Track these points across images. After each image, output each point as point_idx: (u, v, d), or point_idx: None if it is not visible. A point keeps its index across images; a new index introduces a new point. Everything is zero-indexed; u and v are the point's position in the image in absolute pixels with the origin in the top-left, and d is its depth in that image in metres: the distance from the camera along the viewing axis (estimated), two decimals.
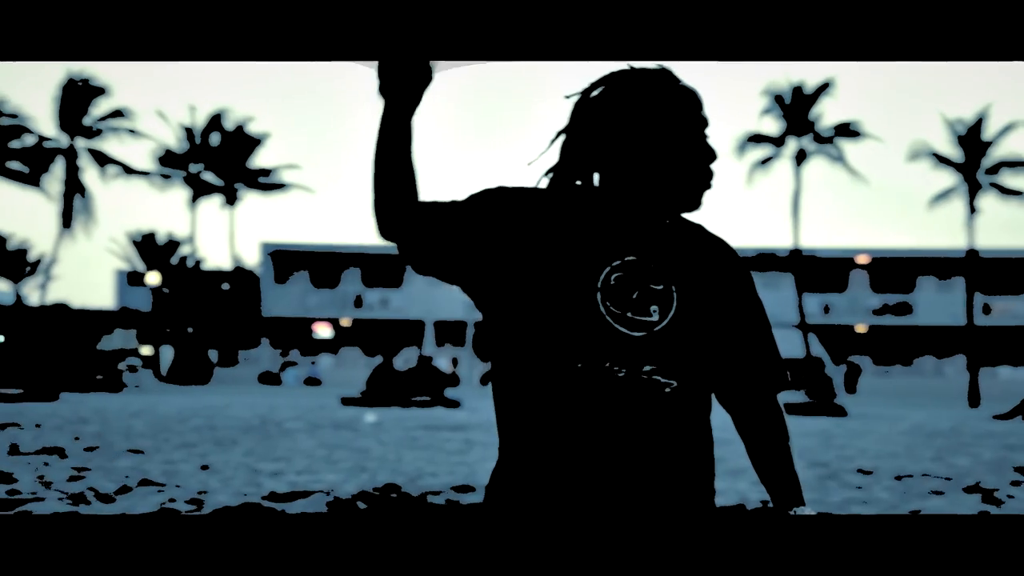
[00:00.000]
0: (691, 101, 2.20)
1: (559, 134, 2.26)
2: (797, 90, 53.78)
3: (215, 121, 58.92)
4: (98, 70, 54.67)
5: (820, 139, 54.05)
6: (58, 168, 54.19)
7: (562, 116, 2.29)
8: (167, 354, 55.56)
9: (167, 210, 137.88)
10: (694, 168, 2.19)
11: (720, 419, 2.35)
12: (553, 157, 2.27)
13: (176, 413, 21.81)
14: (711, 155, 2.20)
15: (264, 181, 59.80)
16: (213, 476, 10.87)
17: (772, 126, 54.70)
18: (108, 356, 40.36)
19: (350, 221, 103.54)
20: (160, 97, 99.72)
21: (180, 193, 73.87)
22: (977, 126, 52.25)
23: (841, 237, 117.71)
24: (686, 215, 2.26)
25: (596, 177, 2.23)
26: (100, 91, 54.07)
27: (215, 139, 58.82)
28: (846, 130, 53.86)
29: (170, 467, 11.61)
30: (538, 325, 2.13)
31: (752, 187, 62.57)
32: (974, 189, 51.80)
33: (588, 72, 2.35)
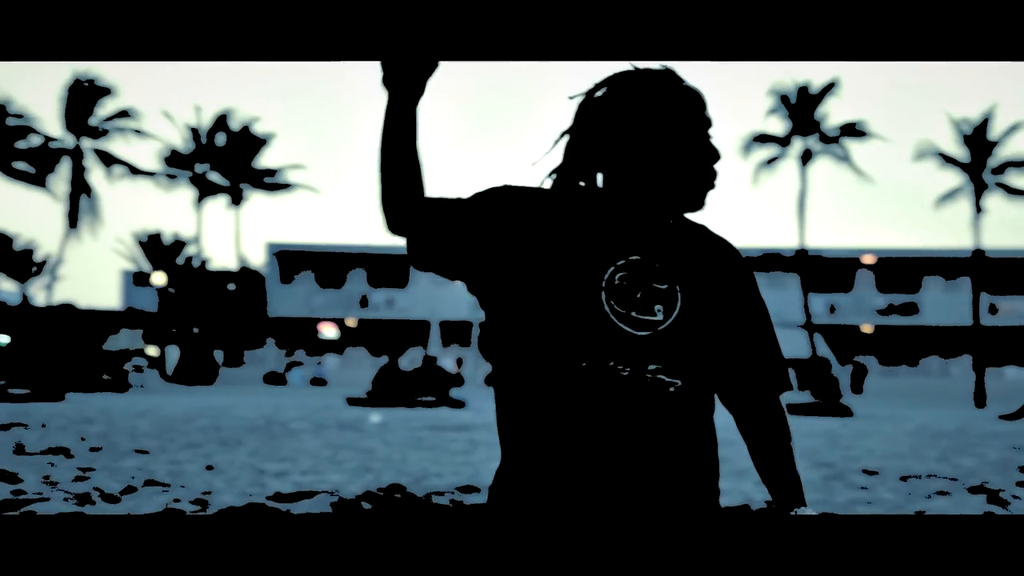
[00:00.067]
0: (695, 101, 2.21)
1: (563, 135, 2.26)
2: (803, 90, 53.74)
3: (221, 121, 58.99)
4: (104, 70, 54.76)
5: (826, 139, 54.00)
6: (64, 168, 54.30)
7: (565, 116, 2.29)
8: (173, 354, 55.64)
9: (173, 210, 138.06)
10: (698, 168, 2.19)
11: (724, 419, 2.35)
12: (557, 158, 2.27)
13: (182, 413, 21.83)
14: (715, 155, 2.21)
15: (270, 181, 59.85)
16: (218, 476, 10.88)
17: (778, 126, 54.70)
18: (114, 356, 40.43)
19: (355, 221, 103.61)
20: (166, 97, 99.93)
21: (186, 193, 74.07)
22: (983, 126, 52.19)
23: (847, 237, 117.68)
24: (690, 215, 2.26)
25: (600, 178, 2.23)
26: (106, 91, 54.15)
27: (221, 139, 58.88)
28: (852, 130, 53.81)
29: (175, 467, 11.62)
30: (542, 324, 2.13)
31: (758, 187, 62.59)
32: (980, 189, 51.73)
33: (591, 72, 2.35)
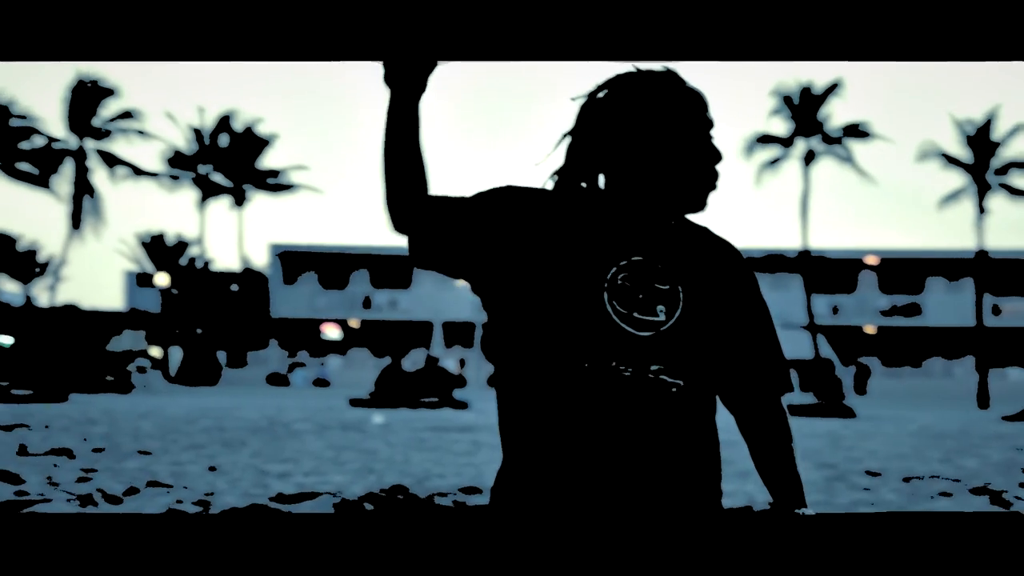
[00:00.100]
0: (696, 102, 2.21)
1: (564, 136, 2.26)
2: (806, 91, 53.73)
3: (224, 122, 59.03)
4: (107, 71, 54.83)
5: (829, 140, 53.98)
6: (67, 169, 54.35)
7: (567, 116, 2.29)
8: (176, 355, 55.67)
9: (176, 211, 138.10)
10: (699, 169, 2.19)
11: (727, 420, 2.35)
12: (559, 159, 2.27)
13: (184, 414, 21.84)
14: (716, 156, 2.21)
15: (273, 182, 59.89)
16: (221, 477, 10.89)
17: (780, 127, 54.71)
18: (117, 357, 40.46)
19: (359, 222, 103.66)
20: (169, 98, 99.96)
21: (189, 194, 74.14)
22: (986, 127, 52.16)
23: (850, 238, 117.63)
24: (692, 217, 2.26)
25: (602, 179, 2.23)
26: (109, 92, 54.20)
27: (224, 140, 58.92)
28: (855, 131, 53.79)
29: (178, 468, 11.62)
30: (544, 325, 2.13)
31: (761, 188, 62.61)
32: (983, 190, 51.70)
33: (594, 72, 2.35)
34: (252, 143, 59.26)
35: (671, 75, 2.21)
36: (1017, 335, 59.16)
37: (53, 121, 62.16)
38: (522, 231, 2.17)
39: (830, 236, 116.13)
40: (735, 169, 64.47)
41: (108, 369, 38.21)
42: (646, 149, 2.17)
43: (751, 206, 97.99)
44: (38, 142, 53.31)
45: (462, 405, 27.30)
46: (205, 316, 56.99)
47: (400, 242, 2.26)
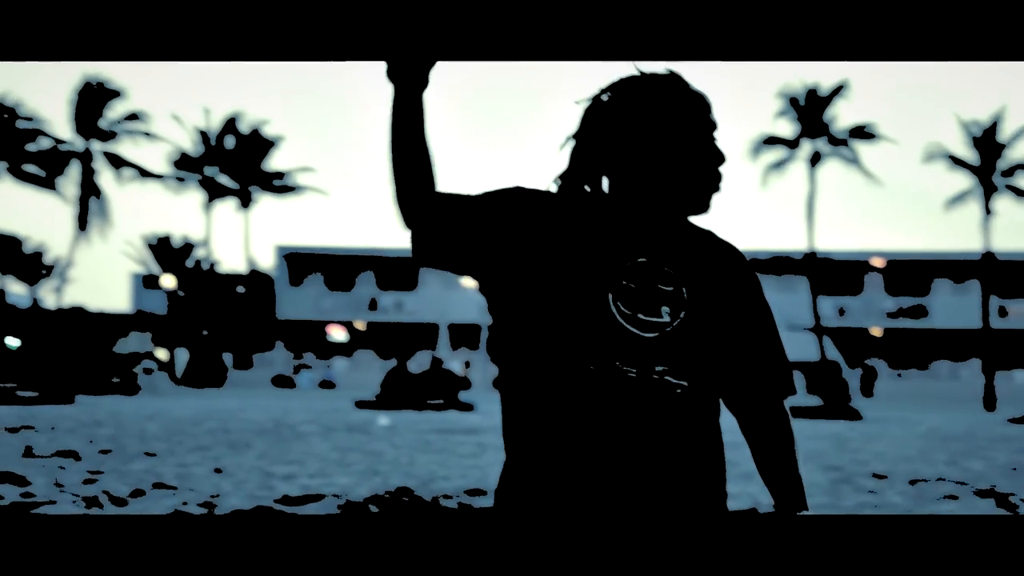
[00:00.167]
0: (700, 105, 2.21)
1: (568, 139, 2.26)
2: (811, 92, 53.68)
3: (230, 124, 59.09)
4: (113, 73, 54.97)
5: (835, 141, 53.93)
6: (74, 171, 54.44)
7: (568, 115, 2.30)
8: (182, 357, 55.74)
9: (182, 213, 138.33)
10: (703, 171, 2.19)
11: (732, 422, 2.35)
12: (563, 162, 2.28)
13: (190, 416, 21.86)
14: (720, 158, 2.21)
15: (279, 184, 59.95)
16: (226, 479, 10.90)
17: (786, 128, 54.64)
18: (124, 359, 40.51)
19: (364, 224, 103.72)
20: (175, 100, 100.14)
21: (195, 196, 74.21)
22: (993, 128, 52.10)
23: (856, 240, 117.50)
24: (696, 220, 2.26)
25: (606, 182, 2.24)
26: (115, 94, 54.28)
27: (230, 142, 58.99)
28: (861, 132, 53.73)
29: (183, 470, 11.64)
30: (549, 326, 2.13)
31: (766, 189, 62.55)
32: (990, 191, 51.64)
33: (597, 72, 2.35)
34: (258, 145, 59.32)
35: (674, 78, 2.22)
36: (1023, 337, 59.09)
37: (59, 123, 62.36)
38: (528, 232, 2.18)
39: (836, 238, 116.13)
40: (741, 171, 64.44)
41: (114, 371, 38.27)
42: (650, 152, 2.17)
43: (757, 208, 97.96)
44: (44, 144, 53.41)
45: (468, 407, 27.31)
46: (211, 318, 57.05)
47: (406, 244, 2.26)
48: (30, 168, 53.26)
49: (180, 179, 58.20)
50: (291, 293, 61.59)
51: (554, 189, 2.26)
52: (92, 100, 54.07)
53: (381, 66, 2.21)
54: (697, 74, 2.28)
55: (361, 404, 27.86)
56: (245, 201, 59.20)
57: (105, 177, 74.56)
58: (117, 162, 55.08)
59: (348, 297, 61.93)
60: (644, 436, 2.11)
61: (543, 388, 2.14)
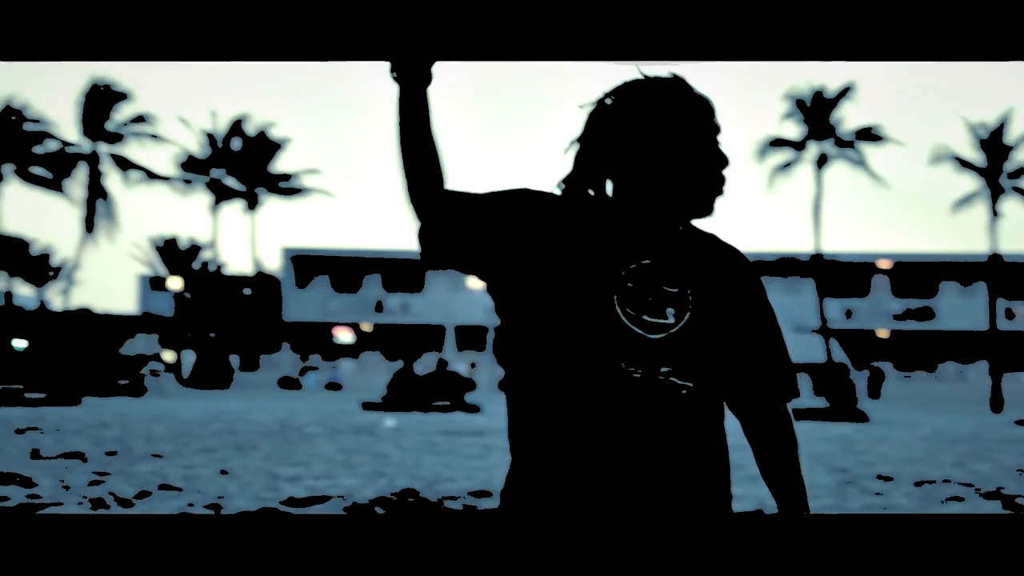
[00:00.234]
0: (703, 108, 2.22)
1: (572, 143, 2.27)
2: (818, 94, 53.63)
3: (236, 126, 59.15)
4: (120, 76, 55.04)
5: (841, 143, 53.86)
6: (81, 173, 54.51)
7: (570, 115, 2.30)
8: (189, 358, 55.79)
9: (189, 215, 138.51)
10: (707, 174, 2.20)
11: (739, 425, 2.36)
12: (567, 166, 2.29)
13: (197, 418, 21.89)
14: (723, 162, 2.22)
15: (285, 186, 59.99)
16: (232, 481, 10.91)
17: (793, 130, 54.58)
18: (130, 361, 40.56)
19: (371, 226, 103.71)
20: (182, 102, 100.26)
21: (202, 198, 74.23)
22: (999, 130, 52.01)
23: (862, 242, 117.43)
24: (702, 223, 2.27)
25: (609, 186, 2.25)
26: (123, 96, 54.35)
27: (236, 144, 59.04)
28: (867, 134, 53.66)
29: (189, 472, 11.65)
30: (555, 327, 2.14)
31: (773, 191, 62.44)
32: (996, 193, 51.54)
33: (601, 72, 2.36)
34: (264, 147, 59.36)
35: (678, 81, 2.23)
36: None
37: (67, 125, 62.36)
38: (535, 234, 2.19)
39: (843, 240, 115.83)
40: (747, 173, 64.43)
41: (121, 372, 38.31)
42: (653, 156, 2.18)
43: (763, 210, 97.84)
44: (52, 146, 53.50)
45: (474, 409, 27.32)
46: (218, 320, 57.10)
47: (413, 246, 2.27)
48: (37, 170, 53.34)
49: (187, 181, 58.26)
50: (297, 295, 61.63)
51: (558, 192, 2.27)
52: (99, 102, 54.15)
53: (386, 67, 2.23)
54: (704, 76, 2.29)
55: (367, 406, 27.87)
56: (252, 203, 59.24)
57: (112, 179, 74.82)
58: (124, 164, 55.15)
59: (354, 299, 61.96)
60: (650, 437, 2.12)
61: (549, 389, 2.15)
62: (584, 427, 2.12)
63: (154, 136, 55.39)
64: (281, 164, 60.79)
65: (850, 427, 23.44)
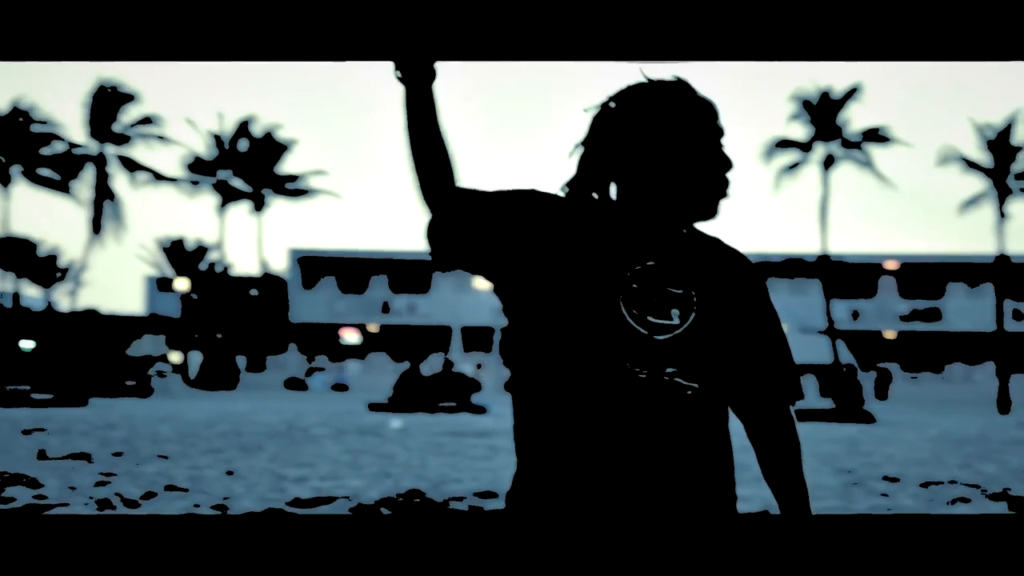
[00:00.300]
0: (707, 111, 2.23)
1: (576, 147, 2.28)
2: (825, 95, 53.56)
3: (243, 128, 59.20)
4: (127, 77, 55.08)
5: (848, 144, 53.78)
6: (88, 175, 54.58)
7: (573, 114, 2.31)
8: (195, 359, 55.84)
9: (196, 216, 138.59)
10: (710, 177, 2.21)
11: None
12: (571, 169, 2.30)
13: (203, 419, 21.92)
14: (727, 164, 2.23)
15: (292, 187, 60.03)
16: (238, 482, 10.93)
17: (800, 131, 54.50)
18: (137, 362, 40.60)
19: (377, 227, 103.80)
20: (189, 104, 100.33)
21: (209, 199, 74.44)
22: (1007, 131, 51.92)
23: (869, 243, 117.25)
24: (706, 226, 2.28)
25: (613, 189, 2.25)
26: (130, 98, 54.43)
27: (243, 145, 59.09)
28: (874, 135, 53.58)
29: (196, 472, 11.67)
30: (561, 328, 2.15)
31: (779, 192, 62.34)
32: (1004, 194, 51.45)
33: (614, 71, 2.36)
34: (271, 148, 59.41)
35: (682, 85, 2.23)
36: None
37: (74, 127, 62.56)
38: (542, 235, 2.20)
39: (849, 241, 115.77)
40: (754, 173, 64.36)
41: (128, 373, 38.36)
42: (657, 159, 2.19)
43: (770, 211, 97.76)
44: (59, 148, 53.58)
45: (480, 410, 27.32)
46: (225, 321, 57.14)
47: (419, 247, 2.28)
48: (45, 172, 53.43)
49: (194, 182, 58.32)
50: (304, 296, 61.67)
51: (562, 195, 2.28)
52: (106, 104, 54.22)
53: (391, 67, 2.24)
54: (710, 77, 2.30)
55: (374, 406, 27.88)
56: (258, 204, 59.29)
57: (119, 180, 74.91)
58: (131, 166, 55.22)
59: (361, 300, 61.98)
60: (655, 437, 2.13)
61: (555, 389, 2.16)
62: (590, 427, 2.13)
63: (161, 137, 55.46)
64: (288, 165, 60.97)
65: (856, 428, 23.42)
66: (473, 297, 59.23)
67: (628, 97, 2.23)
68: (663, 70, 2.32)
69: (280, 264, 67.90)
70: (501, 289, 2.25)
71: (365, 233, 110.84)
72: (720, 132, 2.24)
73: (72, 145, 53.79)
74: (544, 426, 2.18)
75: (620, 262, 2.18)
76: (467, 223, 2.20)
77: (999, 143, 51.82)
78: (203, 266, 60.90)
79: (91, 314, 49.40)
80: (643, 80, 2.25)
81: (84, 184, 54.50)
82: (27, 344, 43.09)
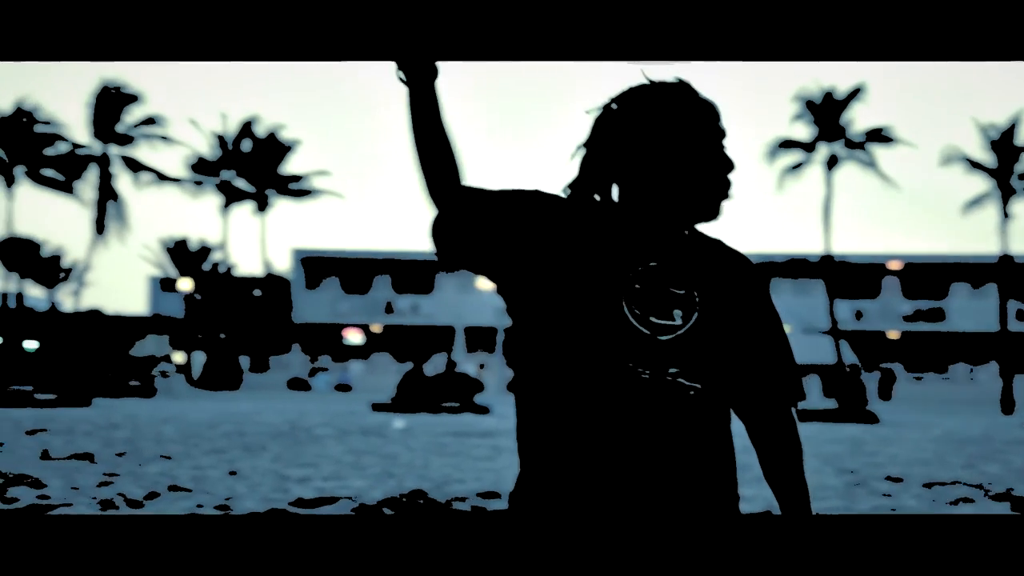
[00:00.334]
0: (708, 113, 2.23)
1: (579, 148, 2.28)
2: (828, 95, 53.53)
3: (246, 128, 59.24)
4: (131, 78, 55.12)
5: (851, 144, 53.74)
6: (92, 175, 54.63)
7: (575, 114, 2.31)
8: (199, 360, 55.88)
9: (199, 216, 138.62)
10: (712, 179, 2.21)
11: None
12: (573, 171, 2.30)
13: (206, 419, 21.94)
14: (729, 166, 2.23)
15: (295, 187, 60.06)
16: (241, 482, 10.93)
17: (803, 131, 54.47)
18: (141, 362, 40.65)
19: (381, 227, 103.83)
20: (192, 104, 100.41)
21: (212, 200, 74.41)
22: (1010, 131, 51.88)
23: (873, 243, 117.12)
24: (706, 229, 2.28)
25: (616, 191, 2.26)
26: (133, 98, 54.47)
27: (247, 146, 59.12)
28: (878, 135, 53.54)
29: (199, 473, 11.68)
30: (564, 329, 2.15)
31: (783, 193, 62.31)
32: (1007, 195, 51.41)
33: (618, 72, 2.36)
34: (275, 148, 59.44)
35: (683, 86, 2.24)
36: None
37: (77, 127, 62.60)
38: (545, 236, 2.20)
39: (853, 241, 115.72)
40: (757, 174, 64.33)
41: (131, 374, 38.39)
42: (659, 161, 2.19)
43: (773, 211, 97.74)
44: (63, 148, 53.64)
45: (483, 410, 27.33)
46: (228, 321, 57.18)
47: (422, 247, 2.29)
48: (48, 172, 53.49)
49: (197, 183, 58.36)
50: (307, 296, 61.69)
51: (565, 197, 2.28)
52: (110, 104, 54.27)
53: (394, 67, 2.24)
54: (714, 76, 2.31)
55: (377, 407, 27.90)
56: (262, 204, 59.32)
57: (123, 181, 75.03)
58: (135, 166, 55.27)
59: (364, 300, 62.01)
60: (658, 437, 2.13)
61: (558, 389, 2.17)
62: (593, 427, 2.13)
63: (164, 138, 55.50)
64: (291, 165, 60.99)
65: (859, 428, 23.41)
66: (476, 297, 59.23)
67: (630, 99, 2.24)
68: (666, 70, 2.33)
69: (283, 264, 67.98)
70: (504, 289, 2.26)
71: (368, 233, 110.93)
72: (722, 133, 2.24)
73: (76, 145, 53.86)
74: (547, 426, 2.18)
75: (623, 262, 2.18)
76: (472, 221, 2.20)
77: (1003, 143, 51.77)
78: (206, 266, 60.94)
79: (95, 314, 49.46)
80: (645, 82, 2.25)
81: (88, 184, 54.57)
82: (31, 344, 43.15)
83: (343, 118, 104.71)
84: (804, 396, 2.31)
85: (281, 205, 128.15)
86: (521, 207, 2.22)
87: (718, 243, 2.30)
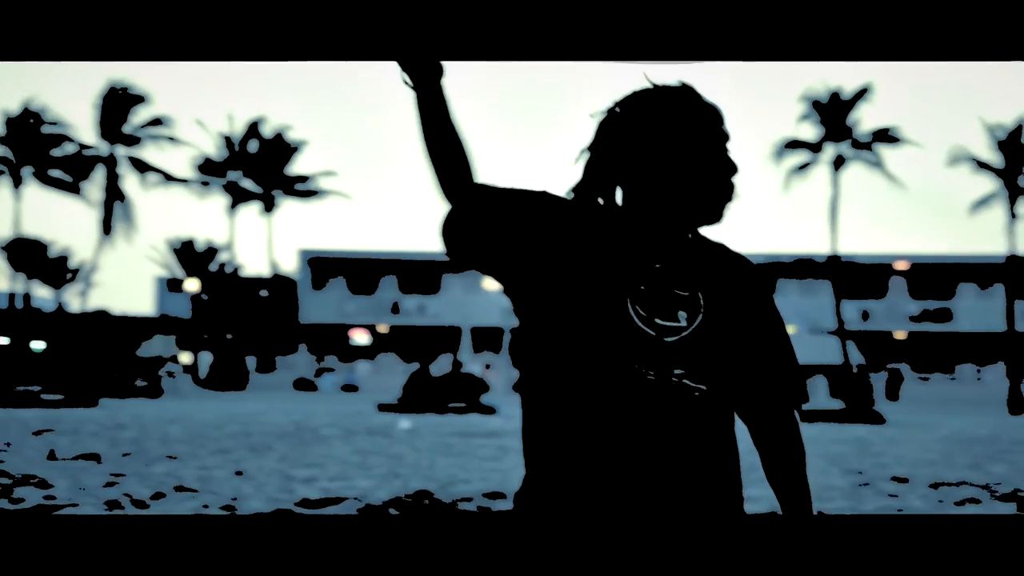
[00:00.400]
0: (712, 116, 2.24)
1: (583, 152, 2.29)
2: (835, 96, 53.48)
3: (253, 129, 59.30)
4: (138, 79, 55.22)
5: (858, 145, 53.69)
6: (99, 176, 54.72)
7: (577, 114, 2.31)
8: (205, 360, 55.93)
9: (206, 217, 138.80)
10: (716, 182, 2.21)
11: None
12: (577, 174, 2.30)
13: (212, 419, 21.96)
14: (732, 169, 2.23)
15: (302, 188, 60.11)
16: (247, 482, 10.94)
17: (810, 132, 54.44)
18: (147, 362, 40.69)
19: (387, 228, 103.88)
20: (199, 105, 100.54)
21: (219, 200, 74.50)
22: (1017, 131, 51.80)
23: (879, 243, 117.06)
24: (710, 232, 2.28)
25: (619, 194, 2.26)
26: (140, 99, 54.54)
27: (253, 146, 59.18)
28: (884, 136, 53.48)
29: (205, 473, 11.69)
30: (570, 330, 2.16)
31: (789, 193, 62.25)
32: (1014, 195, 51.34)
33: (609, 72, 2.36)
34: (281, 149, 59.50)
35: (686, 90, 2.24)
36: None
37: (85, 128, 62.69)
38: (553, 237, 2.21)
39: (860, 241, 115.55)
40: (764, 174, 64.27)
41: (138, 374, 38.44)
42: (663, 164, 2.19)
43: (780, 211, 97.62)
44: (70, 149, 53.72)
45: (490, 410, 27.33)
46: (234, 321, 57.24)
47: (429, 248, 2.29)
48: (55, 173, 53.57)
49: (204, 183, 58.44)
50: (314, 297, 61.73)
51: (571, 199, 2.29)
52: (117, 105, 54.35)
53: (399, 73, 2.24)
54: (720, 77, 2.31)
55: (383, 407, 27.91)
56: (268, 205, 59.38)
57: (130, 181, 75.04)
58: (141, 167, 55.34)
59: (371, 300, 62.04)
60: (663, 438, 2.14)
61: (564, 390, 2.17)
62: (598, 428, 2.14)
63: (171, 138, 55.58)
64: (297, 166, 61.01)
65: (866, 429, 23.38)
66: (483, 298, 59.24)
67: (633, 103, 2.24)
68: (671, 70, 2.33)
69: (290, 265, 68.09)
70: (511, 290, 2.26)
71: (375, 234, 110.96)
72: (725, 137, 2.25)
73: (83, 146, 53.93)
74: (553, 427, 2.18)
75: (628, 264, 2.19)
76: (483, 218, 2.20)
77: (1010, 143, 51.69)
78: (213, 267, 61.01)
79: (101, 315, 49.52)
80: (648, 85, 2.26)
81: (95, 185, 54.67)
82: (38, 345, 43.21)
83: (349, 118, 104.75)
84: (807, 398, 2.32)
85: (287, 205, 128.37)
86: (529, 207, 2.23)
87: (721, 247, 2.30)
